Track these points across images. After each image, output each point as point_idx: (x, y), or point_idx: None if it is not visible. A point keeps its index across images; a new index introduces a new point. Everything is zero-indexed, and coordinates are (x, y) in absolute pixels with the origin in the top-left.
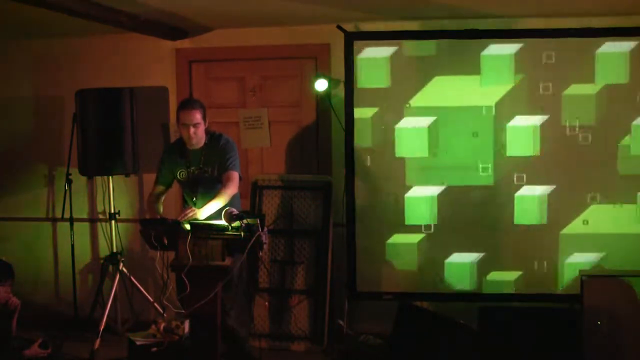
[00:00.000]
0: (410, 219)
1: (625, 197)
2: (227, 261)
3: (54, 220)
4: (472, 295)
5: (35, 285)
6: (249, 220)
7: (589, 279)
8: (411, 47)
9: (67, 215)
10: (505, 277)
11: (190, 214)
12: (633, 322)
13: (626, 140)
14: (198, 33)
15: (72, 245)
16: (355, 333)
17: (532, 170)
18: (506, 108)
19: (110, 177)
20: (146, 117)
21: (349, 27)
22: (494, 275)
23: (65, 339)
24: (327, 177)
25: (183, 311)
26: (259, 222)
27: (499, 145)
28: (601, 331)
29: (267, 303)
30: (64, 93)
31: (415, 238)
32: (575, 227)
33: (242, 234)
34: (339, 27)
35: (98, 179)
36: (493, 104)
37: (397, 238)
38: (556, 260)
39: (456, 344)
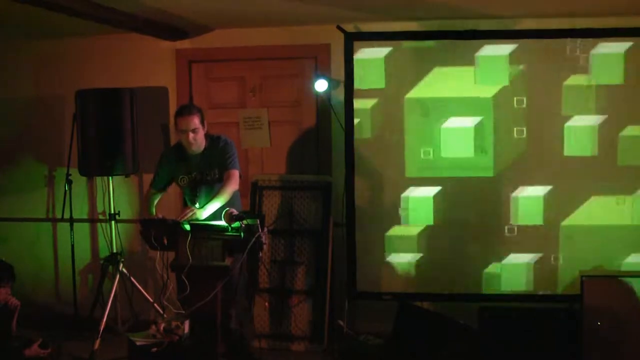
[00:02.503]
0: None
1: None
2: (227, 261)
3: (54, 220)
4: (472, 295)
5: (35, 285)
6: (248, 220)
7: (589, 279)
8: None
9: (67, 216)
10: None
11: (190, 214)
12: (633, 322)
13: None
14: (198, 33)
15: (72, 246)
16: (355, 333)
17: None
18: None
19: (110, 178)
20: (146, 117)
21: (349, 27)
22: None
23: (65, 339)
24: (327, 177)
25: (183, 311)
26: (258, 222)
27: None
28: (601, 331)
29: (267, 303)
30: (64, 93)
31: None
32: None
33: (242, 234)
34: (339, 28)
35: (98, 179)
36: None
37: None
38: None
39: (456, 344)
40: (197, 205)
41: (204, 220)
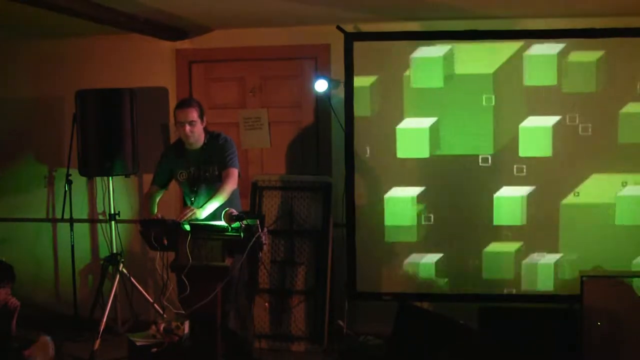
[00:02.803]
0: None
1: None
2: (227, 262)
3: (54, 220)
4: (472, 295)
5: (35, 285)
6: (248, 220)
7: (589, 279)
8: None
9: (67, 216)
10: None
11: (190, 214)
12: (633, 322)
13: None
14: (198, 34)
15: (72, 246)
16: (355, 333)
17: None
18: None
19: (110, 178)
20: (146, 117)
21: (349, 27)
22: None
23: (65, 339)
24: (327, 178)
25: (183, 312)
26: (258, 222)
27: None
28: (601, 331)
29: (267, 303)
30: (64, 93)
31: None
32: None
33: (242, 234)
34: (339, 28)
35: (98, 179)
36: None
37: None
38: None
39: (456, 344)
40: (193, 199)
41: (204, 220)
